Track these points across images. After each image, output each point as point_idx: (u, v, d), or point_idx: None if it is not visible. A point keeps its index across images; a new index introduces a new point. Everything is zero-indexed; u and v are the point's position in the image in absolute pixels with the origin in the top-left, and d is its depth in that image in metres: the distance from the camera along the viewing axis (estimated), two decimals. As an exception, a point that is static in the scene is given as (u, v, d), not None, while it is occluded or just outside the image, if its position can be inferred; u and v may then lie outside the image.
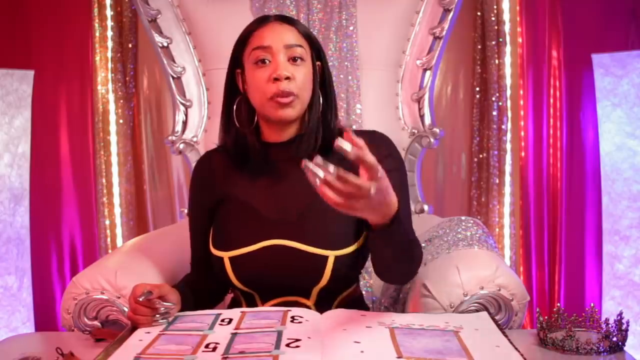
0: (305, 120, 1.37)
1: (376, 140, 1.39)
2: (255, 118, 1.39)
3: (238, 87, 1.39)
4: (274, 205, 1.36)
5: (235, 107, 1.38)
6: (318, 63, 1.39)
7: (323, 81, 1.40)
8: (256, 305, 1.37)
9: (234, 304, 1.45)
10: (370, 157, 1.02)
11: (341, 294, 1.39)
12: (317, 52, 1.39)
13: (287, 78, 1.30)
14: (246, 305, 1.39)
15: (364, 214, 1.10)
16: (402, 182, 1.40)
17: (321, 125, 1.37)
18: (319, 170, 0.94)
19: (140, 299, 1.21)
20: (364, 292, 1.80)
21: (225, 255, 1.34)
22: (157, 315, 1.24)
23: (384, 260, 1.27)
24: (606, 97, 2.26)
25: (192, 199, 1.47)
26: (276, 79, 1.30)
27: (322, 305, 1.33)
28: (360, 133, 1.45)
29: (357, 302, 1.43)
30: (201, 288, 1.43)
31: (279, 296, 1.34)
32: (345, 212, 1.05)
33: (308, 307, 1.34)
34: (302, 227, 1.32)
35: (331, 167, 0.96)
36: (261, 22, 1.36)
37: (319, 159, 0.98)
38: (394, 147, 1.42)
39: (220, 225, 1.39)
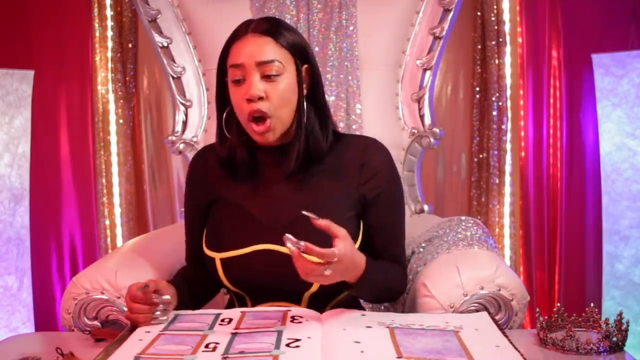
0: (294, 127, 1.33)
1: (372, 154, 1.38)
2: None
3: (228, 96, 1.35)
4: (266, 209, 1.35)
5: (225, 116, 1.35)
6: (306, 66, 1.33)
7: (312, 85, 1.35)
8: (247, 307, 1.37)
9: (231, 305, 1.45)
10: (334, 229, 1.16)
11: (332, 300, 1.38)
12: (304, 57, 1.33)
13: (261, 98, 1.27)
14: (238, 306, 1.39)
15: (336, 279, 1.19)
16: (395, 200, 1.40)
17: (308, 136, 1.33)
18: (292, 245, 1.12)
19: (139, 292, 1.20)
20: (363, 292, 1.80)
21: (217, 256, 1.34)
22: (157, 312, 1.24)
23: (365, 300, 1.45)
24: (606, 97, 2.26)
25: (188, 196, 1.47)
26: (249, 100, 1.27)
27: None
28: (360, 138, 1.44)
29: (351, 305, 1.42)
30: (197, 282, 1.42)
31: (270, 300, 1.34)
32: (317, 281, 1.18)
33: None
34: (295, 233, 1.31)
35: (302, 243, 1.12)
36: (241, 32, 1.31)
37: (290, 237, 1.12)
38: (389, 162, 1.40)
39: (213, 225, 1.39)
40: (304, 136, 1.32)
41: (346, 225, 1.32)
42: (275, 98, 1.28)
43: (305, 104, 1.33)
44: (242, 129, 1.35)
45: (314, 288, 1.31)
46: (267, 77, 1.28)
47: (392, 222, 1.40)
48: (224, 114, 1.36)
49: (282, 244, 1.28)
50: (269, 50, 1.28)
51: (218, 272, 1.34)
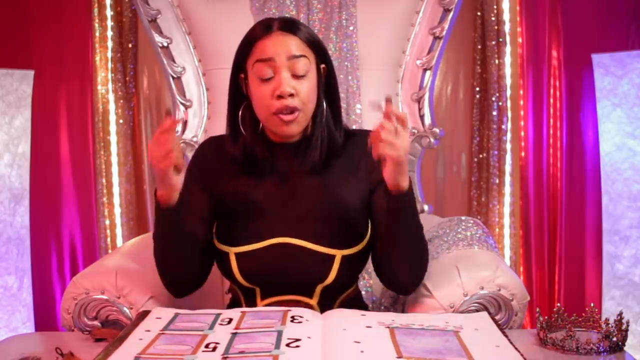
0: (309, 124, 1.37)
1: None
2: (261, 124, 1.38)
3: (242, 92, 1.38)
4: (280, 203, 1.36)
5: (241, 113, 1.37)
6: (323, 66, 1.37)
7: (328, 84, 1.39)
8: (255, 301, 1.37)
9: (233, 304, 1.45)
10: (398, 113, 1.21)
11: (343, 292, 1.40)
12: (323, 56, 1.37)
13: (291, 95, 1.30)
14: (244, 300, 1.40)
15: (396, 166, 1.20)
16: None
17: (326, 134, 1.36)
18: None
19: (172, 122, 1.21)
20: (363, 292, 1.80)
21: (232, 250, 1.34)
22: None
23: (399, 250, 1.30)
24: (606, 97, 2.26)
25: (193, 177, 1.43)
26: (280, 96, 1.29)
27: (324, 304, 1.34)
28: (362, 132, 1.46)
29: (357, 301, 1.44)
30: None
31: (281, 294, 1.35)
32: (387, 152, 1.19)
33: (310, 305, 1.34)
34: (309, 226, 1.33)
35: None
36: (265, 30, 1.33)
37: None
38: None
39: (225, 219, 1.40)
40: (323, 132, 1.36)
41: (359, 221, 1.37)
42: (303, 95, 1.31)
43: (324, 102, 1.37)
44: (255, 127, 1.37)
45: (328, 281, 1.32)
46: (295, 75, 1.31)
47: None
48: (240, 111, 1.37)
49: (297, 236, 1.31)
50: (298, 45, 1.32)
51: (231, 267, 1.34)
